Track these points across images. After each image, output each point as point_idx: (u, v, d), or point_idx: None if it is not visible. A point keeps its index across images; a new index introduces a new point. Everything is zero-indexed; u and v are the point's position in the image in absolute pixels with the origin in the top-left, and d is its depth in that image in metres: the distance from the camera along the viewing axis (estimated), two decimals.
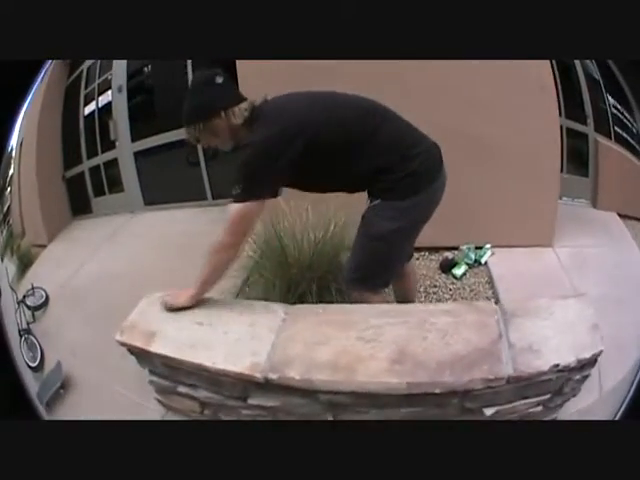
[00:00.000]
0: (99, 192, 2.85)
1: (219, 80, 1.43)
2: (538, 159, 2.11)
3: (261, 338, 1.33)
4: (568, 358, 1.11)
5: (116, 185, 2.88)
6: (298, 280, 1.89)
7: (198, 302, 1.50)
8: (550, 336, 1.15)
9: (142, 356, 1.45)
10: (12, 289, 1.94)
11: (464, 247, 2.28)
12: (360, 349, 1.20)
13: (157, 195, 2.91)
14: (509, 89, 2.01)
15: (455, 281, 2.19)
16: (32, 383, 1.65)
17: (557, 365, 1.09)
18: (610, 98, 2.23)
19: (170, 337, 1.40)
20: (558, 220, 2.26)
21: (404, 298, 1.78)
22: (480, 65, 1.85)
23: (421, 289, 2.15)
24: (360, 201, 1.52)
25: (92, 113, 2.78)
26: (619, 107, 2.17)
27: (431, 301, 2.09)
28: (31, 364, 1.73)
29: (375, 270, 1.52)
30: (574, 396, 1.25)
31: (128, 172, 2.87)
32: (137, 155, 2.85)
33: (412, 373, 1.10)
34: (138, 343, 1.40)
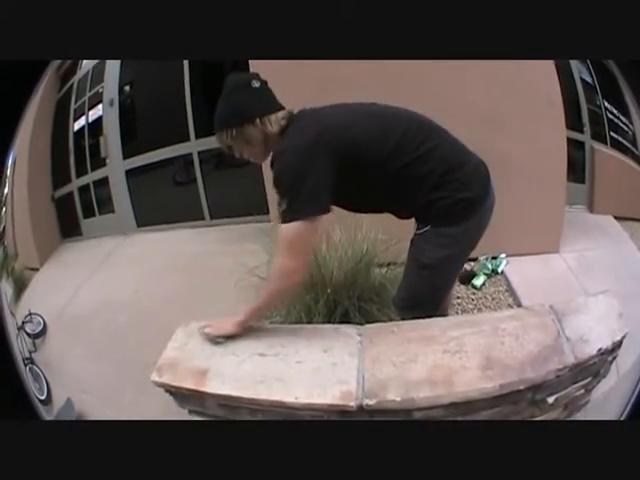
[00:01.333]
0: (89, 213, 2.94)
1: (256, 84, 1.44)
2: (546, 171, 2.47)
3: (343, 364, 1.37)
4: (607, 342, 1.44)
5: (106, 205, 2.98)
6: (337, 300, 2.02)
7: (245, 330, 1.52)
8: (593, 327, 1.47)
9: (189, 397, 1.43)
10: (12, 313, 2.01)
11: (482, 258, 2.55)
12: (449, 362, 1.34)
13: (151, 216, 3.01)
14: (519, 103, 2.35)
15: (476, 291, 2.50)
16: (43, 414, 1.68)
17: (600, 349, 1.42)
18: (606, 103, 2.57)
19: (229, 374, 1.39)
20: None
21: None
22: (491, 80, 2.24)
23: None
24: (389, 217, 1.61)
25: (82, 129, 2.87)
26: (615, 112, 2.52)
27: (456, 312, 2.36)
28: (39, 396, 1.79)
29: (425, 297, 1.61)
30: (604, 377, 1.57)
31: (119, 191, 2.97)
32: (129, 173, 2.95)
33: (502, 375, 1.29)
34: (188, 384, 1.39)
